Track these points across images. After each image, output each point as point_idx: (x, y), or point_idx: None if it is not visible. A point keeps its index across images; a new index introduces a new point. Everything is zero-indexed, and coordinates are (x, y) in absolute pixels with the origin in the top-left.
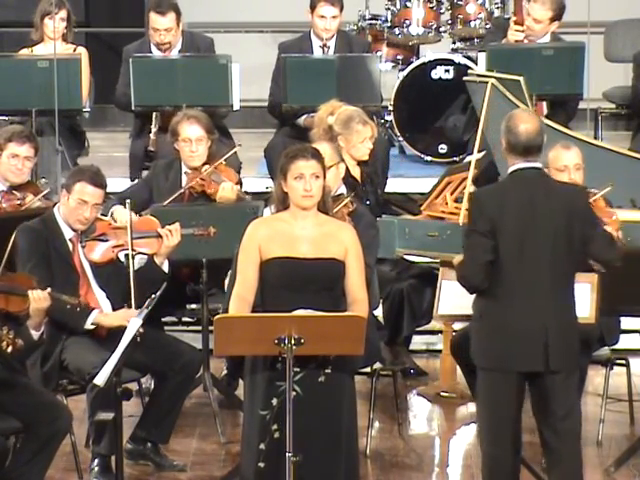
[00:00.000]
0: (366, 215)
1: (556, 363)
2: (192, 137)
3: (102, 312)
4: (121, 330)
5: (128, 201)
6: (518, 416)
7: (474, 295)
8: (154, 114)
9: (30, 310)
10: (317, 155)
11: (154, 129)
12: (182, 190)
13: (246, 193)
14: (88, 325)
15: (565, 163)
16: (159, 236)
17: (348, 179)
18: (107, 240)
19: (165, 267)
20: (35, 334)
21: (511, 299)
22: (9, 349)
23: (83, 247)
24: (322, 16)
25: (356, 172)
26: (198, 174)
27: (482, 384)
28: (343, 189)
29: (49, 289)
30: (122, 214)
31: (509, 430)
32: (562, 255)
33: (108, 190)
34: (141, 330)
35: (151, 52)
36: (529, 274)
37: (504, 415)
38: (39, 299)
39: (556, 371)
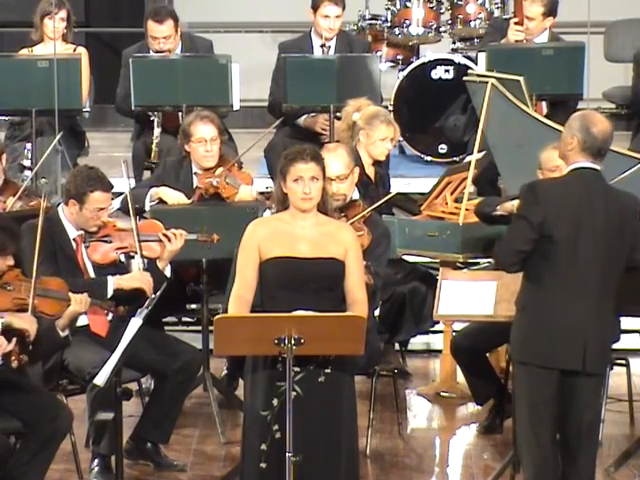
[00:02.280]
0: (380, 224)
1: (591, 365)
2: (207, 137)
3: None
4: (121, 330)
5: (130, 201)
6: (556, 414)
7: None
8: (156, 115)
9: (67, 312)
10: (317, 157)
11: (157, 128)
12: (196, 196)
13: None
14: (111, 293)
15: (557, 164)
16: (162, 240)
17: (363, 178)
18: (111, 241)
19: (167, 271)
20: (62, 333)
21: (557, 295)
22: (14, 364)
23: (87, 247)
24: (326, 16)
25: (370, 171)
26: (210, 175)
27: (522, 380)
28: (356, 194)
29: (86, 294)
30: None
31: (550, 429)
32: (612, 258)
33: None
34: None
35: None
36: (578, 273)
37: (546, 412)
38: (81, 303)
39: (590, 373)
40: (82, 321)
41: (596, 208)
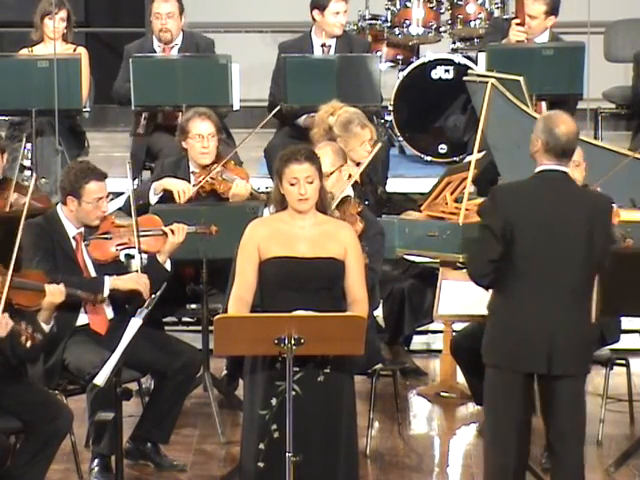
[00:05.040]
0: (375, 222)
1: (559, 368)
2: (204, 133)
3: (114, 277)
4: (121, 330)
5: (131, 195)
6: (525, 418)
7: (484, 293)
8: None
9: (44, 304)
10: (311, 157)
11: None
12: (194, 190)
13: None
14: (107, 293)
15: None
16: (163, 234)
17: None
18: (110, 238)
19: (168, 265)
20: (45, 327)
21: (522, 298)
22: (28, 343)
23: (87, 245)
24: (336, 12)
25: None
26: (207, 173)
27: (489, 382)
28: (350, 190)
29: (62, 284)
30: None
31: (514, 435)
32: (579, 260)
33: (108, 190)
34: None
35: (153, 50)
36: (543, 275)
37: (510, 417)
38: (55, 293)
39: (559, 376)
40: (82, 320)
41: (563, 210)
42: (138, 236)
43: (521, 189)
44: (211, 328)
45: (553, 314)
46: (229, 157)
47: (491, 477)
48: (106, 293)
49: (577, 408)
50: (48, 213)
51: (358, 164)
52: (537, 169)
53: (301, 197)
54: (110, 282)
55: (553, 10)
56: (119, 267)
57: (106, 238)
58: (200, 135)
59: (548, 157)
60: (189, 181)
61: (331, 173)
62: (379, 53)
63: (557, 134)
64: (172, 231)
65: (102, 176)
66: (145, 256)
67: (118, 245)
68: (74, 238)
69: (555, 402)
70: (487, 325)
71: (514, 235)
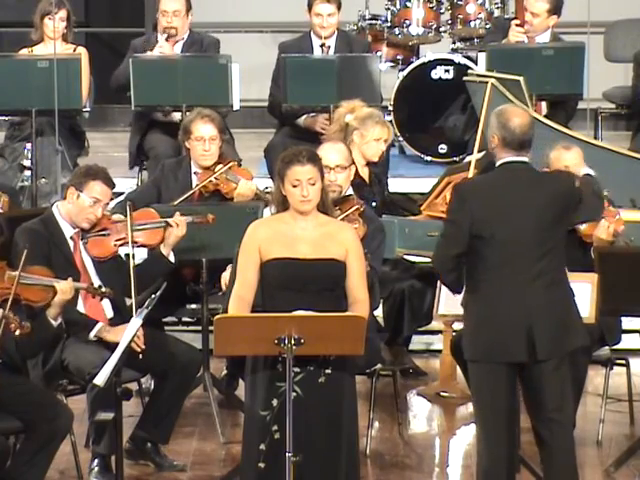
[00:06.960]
0: (375, 219)
1: (543, 353)
2: (206, 136)
3: (106, 325)
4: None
5: (129, 204)
6: (512, 410)
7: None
8: None
9: (55, 300)
10: (313, 158)
11: None
12: (195, 189)
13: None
14: (91, 337)
15: (566, 163)
16: (166, 225)
17: (356, 180)
18: (109, 234)
19: (171, 257)
20: (54, 323)
21: (495, 289)
22: (17, 332)
23: (85, 244)
24: (318, 14)
25: (364, 173)
26: (210, 173)
27: (472, 377)
28: (350, 190)
29: (70, 279)
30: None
31: (503, 425)
32: (549, 246)
33: None
34: (141, 331)
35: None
36: (514, 265)
37: (496, 408)
38: (66, 290)
39: (543, 360)
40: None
41: (525, 197)
42: (132, 230)
43: (484, 183)
44: (211, 328)
45: (527, 301)
46: (235, 161)
47: (484, 470)
48: (90, 338)
49: (562, 392)
50: (44, 215)
51: (368, 164)
52: (498, 163)
53: (303, 199)
54: (98, 330)
55: (556, 9)
56: (119, 264)
57: (104, 234)
58: (202, 138)
59: (507, 151)
60: (191, 182)
61: (345, 168)
62: (379, 53)
63: (511, 128)
64: (176, 224)
65: (110, 183)
66: (145, 250)
67: (117, 240)
68: (71, 238)
69: (540, 388)
70: (463, 322)
71: (481, 228)
